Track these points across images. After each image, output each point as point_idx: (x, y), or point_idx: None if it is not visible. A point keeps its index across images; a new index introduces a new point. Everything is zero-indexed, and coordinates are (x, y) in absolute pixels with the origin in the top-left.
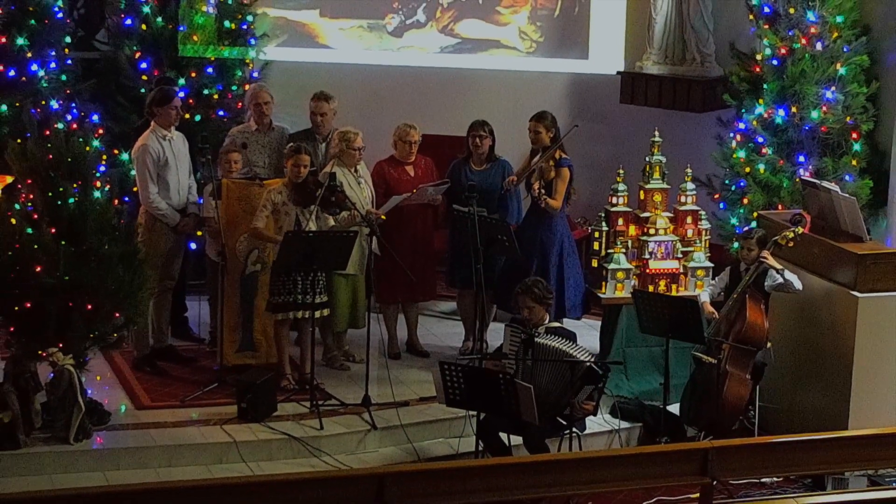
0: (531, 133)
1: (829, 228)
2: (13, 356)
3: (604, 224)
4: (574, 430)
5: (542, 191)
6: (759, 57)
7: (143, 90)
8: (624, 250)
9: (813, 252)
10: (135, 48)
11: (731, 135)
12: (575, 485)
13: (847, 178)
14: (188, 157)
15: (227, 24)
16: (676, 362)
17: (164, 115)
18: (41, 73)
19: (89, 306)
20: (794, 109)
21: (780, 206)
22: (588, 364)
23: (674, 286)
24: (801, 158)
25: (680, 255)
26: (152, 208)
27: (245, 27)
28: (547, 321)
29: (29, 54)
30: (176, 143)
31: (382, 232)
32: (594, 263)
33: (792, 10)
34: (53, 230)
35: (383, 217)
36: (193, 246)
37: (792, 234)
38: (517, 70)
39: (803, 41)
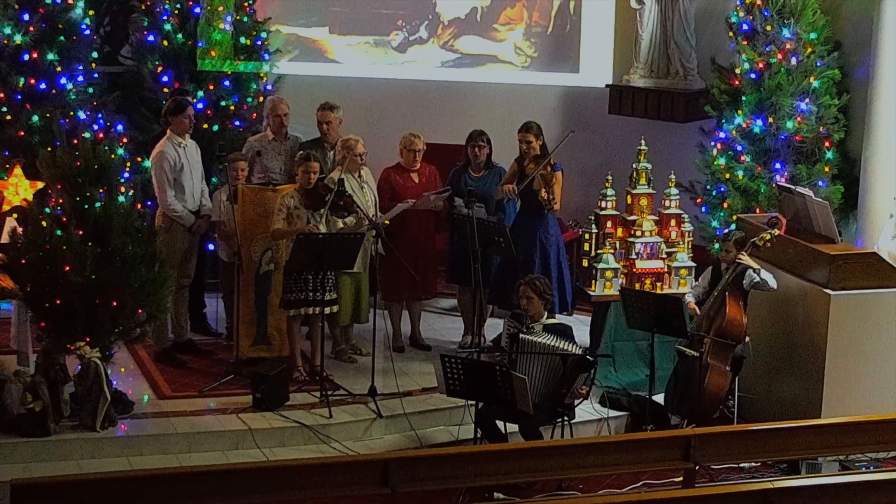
0: (522, 144)
1: (803, 231)
2: (44, 349)
3: (593, 226)
4: (566, 418)
5: (550, 196)
6: (738, 71)
7: (164, 102)
8: (612, 251)
9: (788, 252)
10: (157, 63)
11: (712, 143)
12: (567, 469)
13: (820, 183)
14: (200, 163)
15: (242, 40)
16: (661, 355)
17: (178, 123)
18: (70, 86)
19: (114, 303)
20: (770, 120)
21: (757, 210)
22: (579, 354)
23: (659, 284)
24: (778, 165)
25: (664, 256)
26: (169, 210)
27: (259, 43)
28: (545, 318)
29: (58, 68)
30: (190, 149)
31: (388, 235)
32: (585, 263)
33: (769, 28)
34: (81, 232)
35: (387, 222)
36: (211, 247)
37: (769, 236)
38: (513, 83)
39: (779, 56)
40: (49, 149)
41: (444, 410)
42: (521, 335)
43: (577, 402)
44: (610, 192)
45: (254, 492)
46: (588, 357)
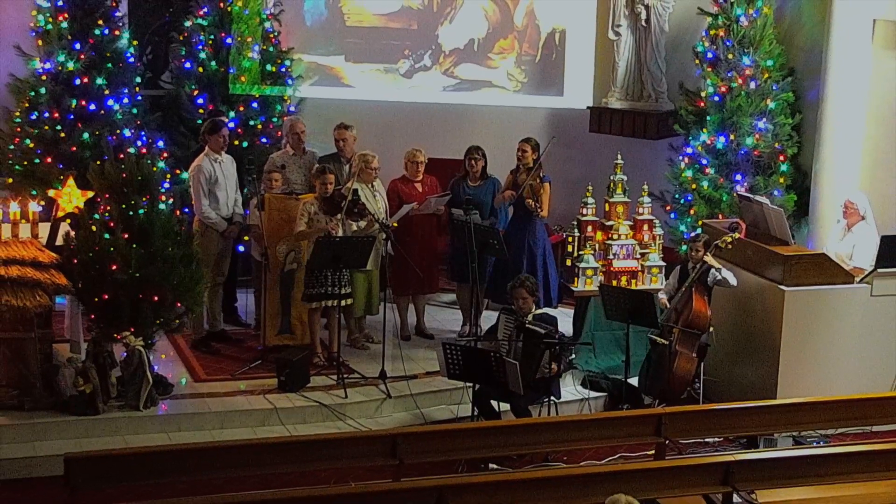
0: (519, 152)
1: (760, 234)
2: (94, 339)
3: (576, 231)
4: (551, 398)
5: (537, 205)
6: (703, 94)
7: (199, 121)
8: (592, 252)
9: (747, 253)
10: (193, 87)
11: (681, 158)
12: (552, 444)
13: (776, 193)
14: (235, 176)
15: (268, 67)
16: (635, 343)
17: (214, 141)
18: (116, 107)
19: (156, 298)
20: (732, 137)
21: (720, 216)
22: (541, 332)
23: (633, 281)
24: (738, 177)
25: (638, 256)
26: (204, 218)
27: (283, 70)
28: (534, 310)
29: (106, 91)
30: (225, 164)
31: (396, 237)
32: (568, 262)
33: (730, 56)
34: (126, 236)
35: (395, 224)
36: (242, 249)
37: (730, 239)
38: (505, 105)
39: (740, 81)
40: (98, 162)
41: (446, 391)
42: (526, 325)
43: (545, 374)
44: (590, 200)
45: (279, 463)
46: (539, 330)
